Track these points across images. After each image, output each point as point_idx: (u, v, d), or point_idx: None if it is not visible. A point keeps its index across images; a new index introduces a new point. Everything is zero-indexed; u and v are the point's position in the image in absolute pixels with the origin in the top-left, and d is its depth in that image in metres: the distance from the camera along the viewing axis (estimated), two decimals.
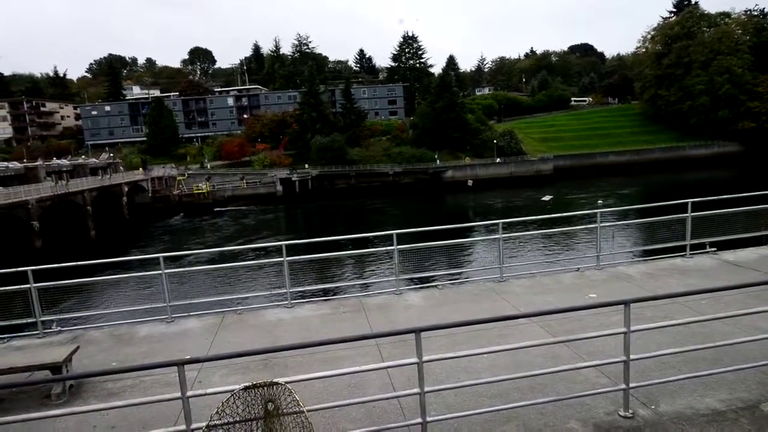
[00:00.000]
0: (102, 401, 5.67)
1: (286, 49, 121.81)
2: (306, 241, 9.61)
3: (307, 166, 72.51)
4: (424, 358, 4.18)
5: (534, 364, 5.62)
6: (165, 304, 8.32)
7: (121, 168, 75.39)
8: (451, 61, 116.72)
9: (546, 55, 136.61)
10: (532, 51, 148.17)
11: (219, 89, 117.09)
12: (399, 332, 4.37)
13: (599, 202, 46.66)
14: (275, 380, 4.06)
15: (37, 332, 8.00)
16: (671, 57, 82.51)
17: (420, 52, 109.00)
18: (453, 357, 4.82)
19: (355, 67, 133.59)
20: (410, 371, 5.46)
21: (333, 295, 9.90)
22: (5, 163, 62.41)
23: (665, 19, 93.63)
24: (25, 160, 69.55)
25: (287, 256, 8.58)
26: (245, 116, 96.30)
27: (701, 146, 77.84)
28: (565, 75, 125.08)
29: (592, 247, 10.81)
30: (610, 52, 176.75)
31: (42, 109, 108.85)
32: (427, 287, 9.41)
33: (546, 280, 9.22)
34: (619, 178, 67.28)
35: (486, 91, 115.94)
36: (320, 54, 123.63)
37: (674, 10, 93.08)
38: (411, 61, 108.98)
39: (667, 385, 5.02)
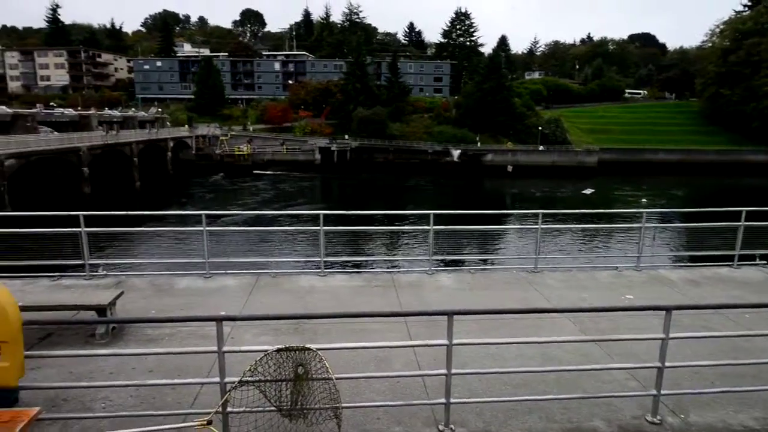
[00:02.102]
0: (141, 345, 5.98)
1: (336, 17, 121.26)
2: (343, 213, 9.71)
3: (347, 137, 72.60)
4: (454, 342, 4.21)
5: (563, 360, 5.58)
6: (203, 260, 8.61)
7: (168, 123, 77.37)
8: (503, 42, 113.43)
9: (603, 42, 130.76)
10: (588, 37, 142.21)
11: (267, 53, 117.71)
12: (431, 313, 4.41)
13: (643, 200, 45.05)
14: (307, 345, 4.18)
15: (85, 274, 8.45)
16: (740, 54, 77.45)
17: (471, 30, 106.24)
18: (483, 343, 4.83)
19: (403, 41, 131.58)
20: (436, 351, 5.50)
21: (365, 268, 10.02)
22: (61, 110, 64.97)
23: (738, 13, 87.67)
24: (79, 108, 72.19)
25: (324, 225, 8.69)
26: (290, 82, 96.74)
27: (762, 152, 73.55)
28: (622, 65, 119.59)
29: (632, 246, 10.51)
30: (672, 44, 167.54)
31: (98, 59, 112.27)
32: (459, 270, 9.39)
33: (581, 276, 9.05)
34: (668, 178, 64.54)
35: (536, 75, 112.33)
36: (369, 24, 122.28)
37: (749, 3, 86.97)
38: (461, 39, 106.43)
39: (700, 396, 4.90)
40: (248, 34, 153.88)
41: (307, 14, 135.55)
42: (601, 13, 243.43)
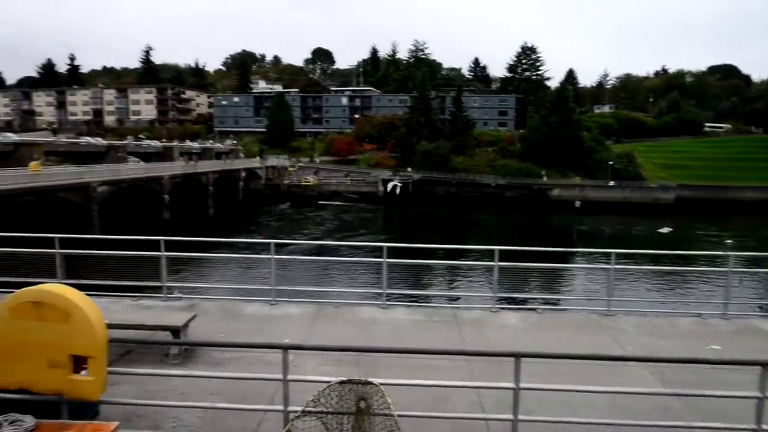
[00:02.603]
0: (210, 368, 6.19)
1: (403, 54, 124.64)
2: (405, 246, 9.71)
3: (409, 169, 73.36)
4: (522, 385, 4.02)
5: (639, 413, 5.16)
6: (270, 287, 8.88)
7: (241, 155, 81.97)
8: (570, 75, 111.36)
9: (680, 74, 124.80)
10: (663, 69, 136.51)
11: (335, 88, 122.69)
12: (498, 354, 4.26)
13: (729, 242, 41.64)
14: (369, 380, 4.15)
15: (162, 296, 8.96)
16: None
17: (537, 64, 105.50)
18: (553, 389, 4.57)
19: (468, 75, 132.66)
20: (501, 394, 5.27)
21: (426, 302, 9.91)
22: (148, 142, 70.76)
23: None
24: (164, 140, 78.25)
25: (387, 257, 8.73)
26: (356, 116, 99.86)
27: None
28: (701, 97, 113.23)
29: (717, 292, 9.69)
30: (758, 75, 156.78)
31: (182, 96, 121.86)
32: (525, 309, 9.05)
33: (660, 322, 8.42)
34: (757, 218, 59.42)
35: (606, 109, 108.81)
36: (434, 60, 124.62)
37: None
38: (527, 73, 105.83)
39: None
40: (318, 71, 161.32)
41: (374, 51, 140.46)
42: (677, 45, 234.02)
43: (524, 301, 10.47)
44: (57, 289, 4.01)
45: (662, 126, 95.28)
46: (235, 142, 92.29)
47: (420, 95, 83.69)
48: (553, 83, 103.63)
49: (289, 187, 71.52)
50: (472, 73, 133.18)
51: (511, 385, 4.01)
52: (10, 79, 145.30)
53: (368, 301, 9.33)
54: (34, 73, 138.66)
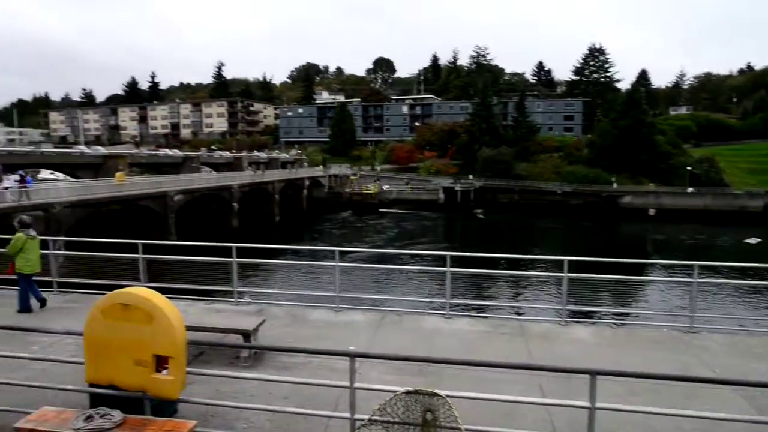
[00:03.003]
0: (278, 372, 6.37)
1: (464, 61, 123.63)
2: (469, 254, 9.55)
3: (471, 177, 72.43)
4: (598, 404, 3.81)
5: None
6: (334, 294, 9.03)
7: (305, 164, 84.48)
8: (643, 76, 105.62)
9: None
10: (749, 67, 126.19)
11: (396, 97, 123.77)
12: (572, 370, 4.06)
13: None
14: (436, 391, 4.09)
15: (233, 300, 9.36)
16: None
17: (606, 66, 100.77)
18: (633, 411, 4.30)
19: (531, 80, 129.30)
20: (572, 413, 5.02)
21: (491, 313, 9.69)
22: (219, 153, 74.67)
23: None
24: (233, 151, 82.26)
25: (451, 266, 8.63)
26: (417, 124, 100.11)
27: None
28: None
29: None
30: None
31: (251, 108, 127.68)
32: (598, 323, 8.61)
33: (752, 341, 7.71)
34: None
35: (683, 110, 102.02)
36: (497, 66, 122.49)
37: None
38: (595, 75, 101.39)
39: None
40: (379, 81, 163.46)
41: (435, 59, 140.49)
42: (764, 41, 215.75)
43: (595, 315, 9.96)
44: (142, 292, 4.29)
45: (748, 128, 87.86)
46: (299, 151, 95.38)
47: (481, 101, 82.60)
48: (624, 85, 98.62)
49: (350, 195, 72.75)
50: (535, 78, 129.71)
51: (585, 404, 3.80)
52: (100, 97, 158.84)
53: (431, 310, 9.25)
54: (120, 91, 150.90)
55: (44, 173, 61.07)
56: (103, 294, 9.48)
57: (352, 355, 4.15)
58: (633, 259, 9.80)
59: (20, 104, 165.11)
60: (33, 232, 9.45)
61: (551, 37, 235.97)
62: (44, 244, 10.63)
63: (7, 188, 26.59)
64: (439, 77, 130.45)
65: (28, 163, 47.88)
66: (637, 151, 68.46)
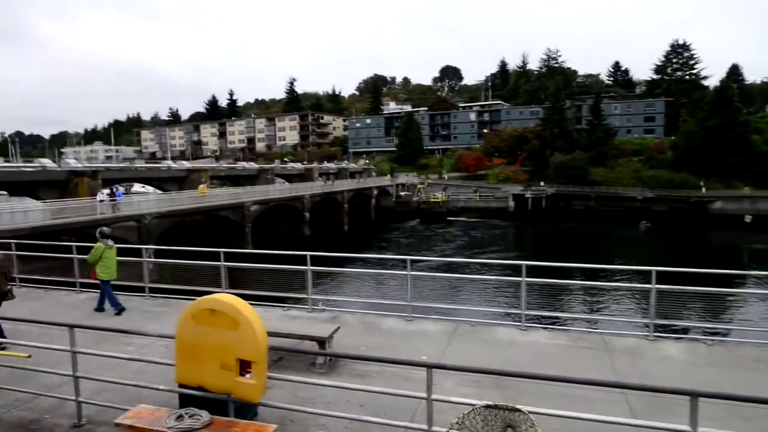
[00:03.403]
0: (353, 379, 6.43)
1: (533, 65, 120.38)
2: (544, 264, 9.17)
3: (542, 183, 70.01)
4: (701, 429, 3.47)
5: None
6: (406, 303, 9.01)
7: (373, 173, 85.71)
8: (734, 71, 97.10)
9: None
10: None
11: (463, 104, 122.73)
12: (670, 390, 3.74)
13: None
14: (517, 406, 3.94)
15: (307, 307, 9.61)
16: None
17: (692, 62, 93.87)
18: None
19: (607, 81, 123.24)
20: None
21: (569, 326, 9.22)
22: (292, 164, 77.54)
23: None
24: (305, 162, 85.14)
25: (526, 276, 8.33)
26: (485, 131, 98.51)
27: None
28: None
29: None
30: None
31: (320, 121, 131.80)
32: (690, 339, 7.94)
33: None
34: None
35: None
36: (569, 68, 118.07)
37: None
38: (678, 73, 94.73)
39: None
40: (446, 89, 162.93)
41: (503, 64, 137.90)
42: None
43: (687, 330, 9.20)
44: (228, 298, 4.49)
45: None
46: (367, 161, 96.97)
47: (553, 105, 79.78)
48: (712, 81, 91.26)
49: (418, 204, 72.75)
50: (612, 79, 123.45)
51: (686, 428, 3.49)
52: (185, 115, 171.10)
53: (506, 321, 8.97)
54: (202, 109, 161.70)
55: (137, 186, 66.41)
56: (189, 299, 10.08)
57: (429, 366, 4.08)
58: (728, 270, 8.95)
59: (116, 124, 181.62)
60: (111, 242, 10.27)
61: (628, 36, 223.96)
62: (137, 253, 11.52)
63: (101, 201, 29.11)
64: (508, 82, 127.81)
65: (123, 178, 52.34)
66: (729, 153, 62.88)
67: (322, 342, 6.99)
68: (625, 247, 47.02)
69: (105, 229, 10.67)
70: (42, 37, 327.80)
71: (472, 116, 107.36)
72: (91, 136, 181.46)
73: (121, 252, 11.98)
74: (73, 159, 58.20)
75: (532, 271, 8.67)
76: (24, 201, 37.50)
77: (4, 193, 45.06)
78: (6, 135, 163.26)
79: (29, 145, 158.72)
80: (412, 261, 9.23)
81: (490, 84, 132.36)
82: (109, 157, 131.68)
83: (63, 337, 5.64)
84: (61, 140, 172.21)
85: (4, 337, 8.06)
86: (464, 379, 6.44)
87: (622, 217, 60.50)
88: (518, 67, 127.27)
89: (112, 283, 10.16)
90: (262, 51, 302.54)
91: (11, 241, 13.21)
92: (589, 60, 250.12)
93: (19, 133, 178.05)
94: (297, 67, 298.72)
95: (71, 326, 5.50)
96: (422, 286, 11.61)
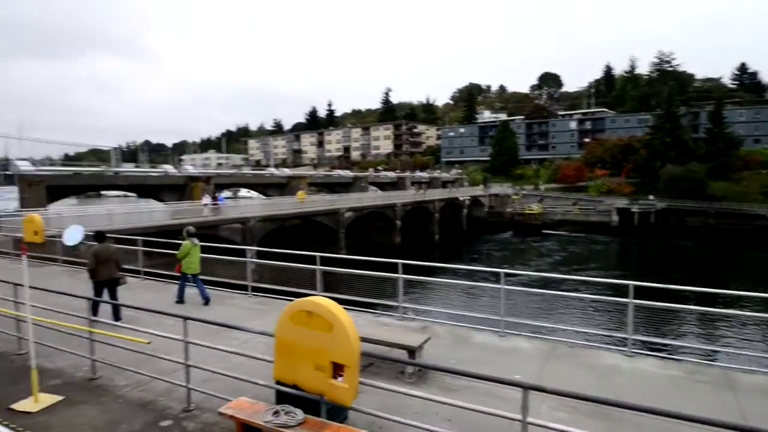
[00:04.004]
0: (441, 392, 6.32)
1: (643, 69, 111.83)
2: (654, 285, 8.34)
3: (651, 197, 64.53)
4: None
5: None
6: (499, 318, 8.70)
7: (466, 183, 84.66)
8: None
9: None
10: None
11: (562, 113, 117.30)
12: None
13: None
14: None
15: (398, 315, 9.64)
16: None
17: None
18: None
19: (731, 85, 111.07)
20: None
21: (682, 355, 8.32)
22: (385, 173, 79.08)
23: None
24: (397, 171, 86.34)
25: (633, 298, 7.67)
26: (586, 140, 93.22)
27: None
28: None
29: None
30: None
31: (414, 130, 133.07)
32: None
33: None
34: None
35: None
36: (684, 72, 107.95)
37: None
38: None
39: None
40: (544, 96, 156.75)
41: (608, 70, 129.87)
42: None
43: None
44: (324, 302, 4.63)
45: None
46: (460, 171, 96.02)
47: (666, 112, 73.43)
48: None
49: (512, 216, 70.49)
50: (736, 83, 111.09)
51: None
52: (287, 126, 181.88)
53: (608, 345, 8.31)
54: (302, 119, 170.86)
55: (243, 191, 71.49)
56: (286, 299, 10.57)
57: (526, 387, 3.88)
58: None
59: (228, 134, 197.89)
60: (196, 241, 11.31)
61: (757, 34, 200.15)
62: (241, 253, 12.35)
63: (205, 205, 31.76)
64: (613, 89, 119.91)
65: (232, 183, 56.73)
66: None
67: (412, 351, 6.96)
68: (754, 272, 41.69)
69: (191, 228, 11.71)
70: (164, 55, 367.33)
71: (573, 125, 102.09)
72: (206, 145, 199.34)
73: (226, 252, 12.92)
74: (190, 165, 64.26)
75: (640, 293, 7.97)
76: (149, 202, 42.04)
77: (133, 195, 50.80)
78: (137, 144, 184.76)
79: (155, 153, 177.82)
80: (506, 274, 8.90)
81: (593, 90, 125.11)
82: (220, 164, 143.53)
83: (177, 326, 6.17)
84: (181, 148, 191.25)
85: (120, 319, 9.14)
86: (561, 404, 6.05)
87: (749, 237, 53.83)
88: (625, 72, 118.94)
89: (197, 276, 11.30)
90: (360, 63, 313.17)
91: (138, 237, 14.83)
92: (709, 63, 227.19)
93: (147, 142, 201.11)
94: (393, 77, 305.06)
95: (185, 318, 6.00)
96: (516, 301, 11.18)
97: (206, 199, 33.40)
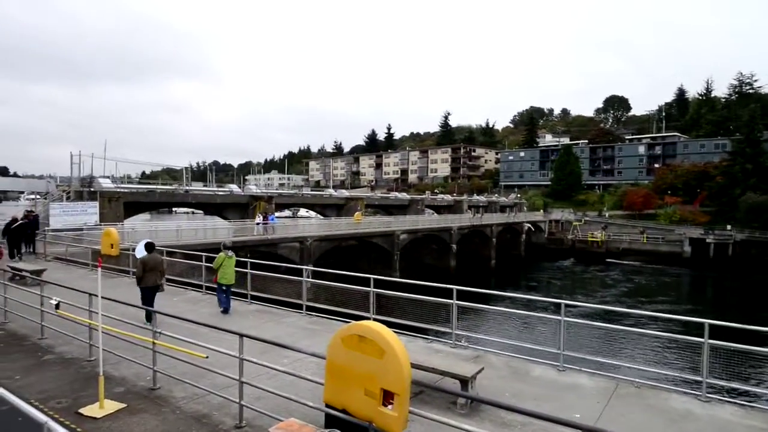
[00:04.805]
0: (495, 427, 6.06)
1: (720, 91, 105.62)
2: (733, 325, 7.64)
3: (729, 227, 60.05)
4: None
5: None
6: (559, 351, 8.27)
7: (525, 208, 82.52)
8: None
9: None
10: None
11: (630, 137, 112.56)
12: None
13: None
14: None
15: (450, 342, 9.41)
16: None
17: None
18: None
19: None
20: None
21: (764, 403, 7.52)
22: (442, 196, 78.71)
23: None
24: (454, 194, 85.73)
25: (710, 338, 7.06)
26: (656, 165, 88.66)
27: None
28: None
29: None
30: None
31: (472, 153, 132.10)
32: None
33: None
34: None
35: None
36: (767, 94, 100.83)
37: None
38: None
39: None
40: (610, 120, 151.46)
41: (680, 92, 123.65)
42: None
43: None
44: (377, 327, 4.58)
45: None
46: (518, 195, 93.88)
47: (746, 137, 68.75)
48: None
49: (573, 242, 67.76)
50: None
51: None
52: (346, 148, 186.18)
53: (679, 387, 7.66)
54: (362, 142, 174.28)
55: (302, 212, 73.42)
56: (339, 320, 10.62)
57: (587, 430, 3.62)
58: None
59: (290, 155, 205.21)
60: (231, 254, 12.10)
61: None
62: (297, 272, 12.58)
63: (257, 224, 32.72)
64: (686, 112, 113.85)
65: (292, 203, 58.44)
66: None
67: (465, 381, 6.74)
68: None
69: (227, 241, 12.62)
70: (233, 80, 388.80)
71: (641, 149, 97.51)
72: (269, 166, 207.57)
73: (285, 270, 13.22)
74: (254, 185, 67.02)
75: (716, 333, 7.34)
76: (215, 219, 44.07)
77: (200, 212, 53.48)
78: (206, 163, 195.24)
79: (222, 172, 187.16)
80: (566, 306, 8.48)
81: (663, 114, 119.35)
82: (282, 184, 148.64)
83: (233, 341, 6.32)
84: (246, 168, 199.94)
85: (151, 321, 9.59)
86: None
87: None
88: (699, 95, 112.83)
89: (230, 287, 12.08)
90: (420, 86, 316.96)
91: (203, 253, 15.52)
92: None
93: (215, 162, 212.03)
94: (452, 100, 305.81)
95: (241, 335, 6.14)
96: (576, 334, 10.65)
97: (258, 219, 34.54)
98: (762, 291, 45.28)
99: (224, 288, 11.90)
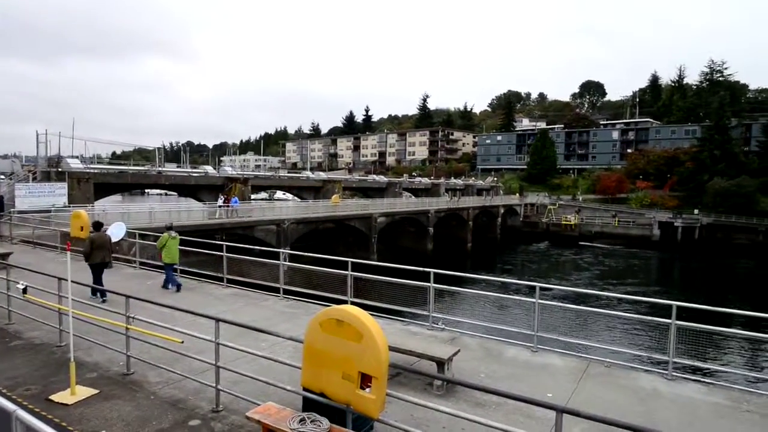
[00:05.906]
0: (470, 407, 6.17)
1: (692, 78, 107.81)
2: (699, 307, 7.92)
3: (696, 211, 62.01)
4: None
5: None
6: (532, 333, 8.46)
7: (501, 192, 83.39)
8: None
9: None
10: None
11: (604, 122, 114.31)
12: None
13: None
14: None
15: (427, 324, 9.52)
16: None
17: None
18: None
19: None
20: None
21: (727, 381, 7.87)
22: (419, 179, 78.77)
23: None
24: (432, 177, 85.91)
25: (677, 319, 7.31)
26: (629, 151, 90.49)
27: None
28: None
29: None
30: None
31: (450, 137, 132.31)
32: None
33: None
34: None
35: None
36: (737, 82, 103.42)
37: None
38: None
39: None
40: (586, 105, 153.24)
41: (654, 79, 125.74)
42: None
43: None
44: (354, 311, 4.58)
45: None
46: (495, 179, 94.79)
47: (715, 124, 70.65)
48: None
49: (547, 226, 69.04)
50: None
51: None
52: (324, 130, 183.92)
53: (647, 366, 7.93)
54: (340, 124, 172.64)
55: (279, 194, 72.69)
56: (317, 303, 10.60)
57: (560, 410, 3.71)
58: None
59: (266, 137, 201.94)
60: (174, 234, 12.61)
61: None
62: (275, 255, 12.47)
63: (219, 206, 32.08)
64: (659, 98, 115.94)
65: (268, 185, 57.69)
66: None
67: (441, 363, 6.83)
68: None
69: (171, 223, 13.45)
70: (207, 58, 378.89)
71: (615, 134, 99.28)
72: (245, 147, 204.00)
73: (261, 254, 13.10)
74: (229, 167, 65.80)
75: (683, 313, 7.60)
76: (189, 201, 43.26)
77: (173, 194, 52.41)
78: (180, 144, 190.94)
79: (196, 153, 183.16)
80: (541, 289, 8.65)
81: (637, 100, 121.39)
82: (258, 166, 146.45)
83: (208, 326, 6.25)
84: (221, 150, 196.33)
85: (105, 297, 10.39)
86: (594, 428, 5.79)
87: None
88: (672, 82, 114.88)
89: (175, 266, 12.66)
90: (398, 69, 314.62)
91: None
92: (765, 73, 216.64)
93: (189, 143, 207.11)
94: (431, 83, 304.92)
95: (217, 320, 6.07)
96: (550, 316, 10.89)
97: (220, 201, 33.97)
98: (725, 272, 47.10)
99: (173, 267, 12.51)
